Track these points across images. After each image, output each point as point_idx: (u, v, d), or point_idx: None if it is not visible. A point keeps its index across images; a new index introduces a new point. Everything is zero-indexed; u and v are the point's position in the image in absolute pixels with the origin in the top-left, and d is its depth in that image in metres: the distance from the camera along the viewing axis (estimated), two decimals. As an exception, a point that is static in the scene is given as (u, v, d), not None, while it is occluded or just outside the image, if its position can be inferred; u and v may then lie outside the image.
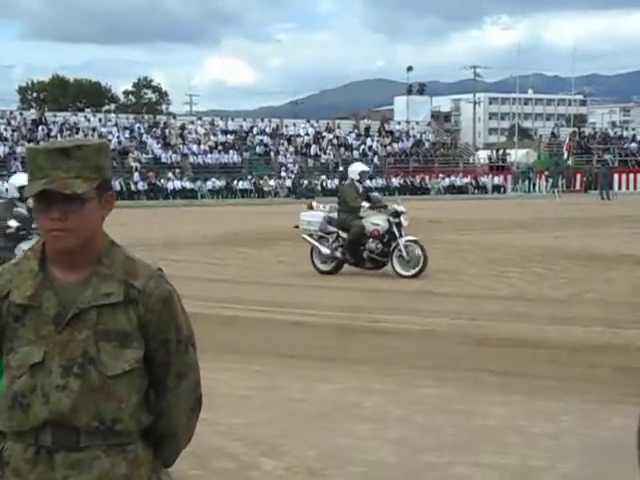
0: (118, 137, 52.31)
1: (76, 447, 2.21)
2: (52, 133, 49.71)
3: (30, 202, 2.38)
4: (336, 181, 50.86)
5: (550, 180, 52.52)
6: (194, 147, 53.99)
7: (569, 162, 55.01)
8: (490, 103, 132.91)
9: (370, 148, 58.85)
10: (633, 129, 72.01)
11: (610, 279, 13.86)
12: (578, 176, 54.83)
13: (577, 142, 60.88)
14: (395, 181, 54.53)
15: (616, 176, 53.98)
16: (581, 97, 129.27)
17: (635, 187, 56.76)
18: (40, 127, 50.68)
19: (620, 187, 54.33)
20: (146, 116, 59.82)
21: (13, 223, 9.19)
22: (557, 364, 8.14)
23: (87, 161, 2.22)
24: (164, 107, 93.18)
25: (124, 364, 2.23)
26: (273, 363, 8.29)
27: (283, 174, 52.80)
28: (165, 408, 2.34)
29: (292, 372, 7.94)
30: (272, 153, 55.86)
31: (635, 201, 39.97)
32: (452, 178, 55.82)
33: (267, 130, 58.10)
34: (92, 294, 2.24)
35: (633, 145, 62.82)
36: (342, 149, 57.96)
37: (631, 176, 57.55)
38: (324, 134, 58.95)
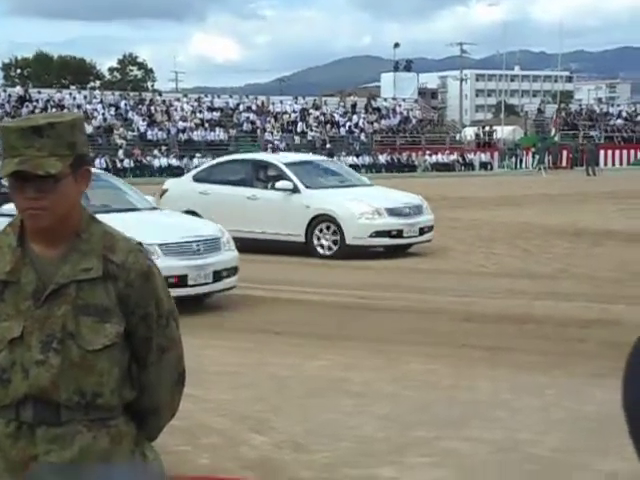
0: (103, 114, 52.01)
1: (57, 422, 2.22)
2: (37, 110, 49.35)
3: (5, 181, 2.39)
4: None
5: (536, 157, 52.58)
6: (180, 124, 53.76)
7: (555, 139, 55.08)
8: (477, 80, 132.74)
9: (357, 125, 58.72)
10: (619, 105, 72.14)
11: (596, 255, 13.93)
12: (564, 152, 54.91)
13: (563, 118, 60.95)
14: (382, 158, 54.48)
15: (602, 152, 54.16)
16: (567, 73, 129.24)
17: (621, 163, 56.95)
18: (25, 104, 50.31)
19: (606, 163, 54.50)
20: (131, 93, 59.48)
21: None
22: (544, 339, 8.19)
23: (60, 138, 2.20)
24: (149, 84, 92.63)
25: (104, 339, 2.23)
26: (262, 340, 8.31)
27: (270, 151, 52.68)
28: (147, 382, 2.34)
29: (281, 349, 7.96)
30: (258, 130, 55.69)
31: (621, 177, 40.10)
32: (439, 155, 55.81)
33: (253, 107, 57.90)
34: (71, 269, 2.24)
35: (619, 121, 62.96)
36: (328, 126, 57.82)
37: (617, 152, 57.75)
38: (310, 111, 58.79)
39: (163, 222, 10.53)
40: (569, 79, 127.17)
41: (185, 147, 51.62)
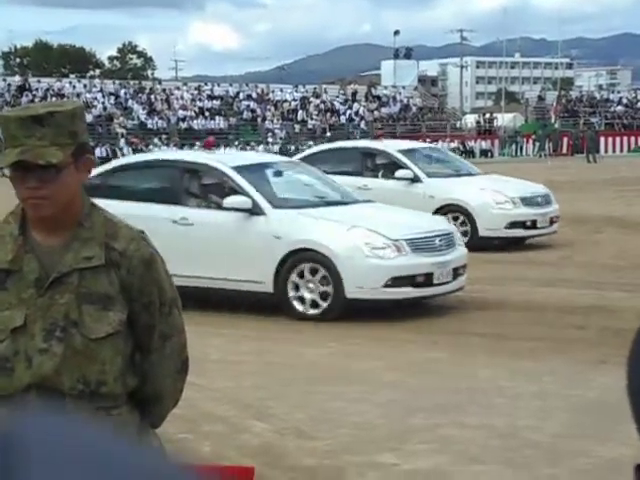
0: (103, 103, 51.95)
1: (62, 411, 2.23)
2: (36, 99, 49.28)
3: (7, 171, 2.42)
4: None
5: (537, 144, 52.49)
6: (180, 113, 53.69)
7: (556, 125, 54.98)
8: (477, 67, 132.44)
9: (357, 113, 58.64)
10: (619, 92, 72.00)
11: (597, 242, 13.94)
12: (565, 139, 54.82)
13: (564, 105, 60.83)
14: (382, 146, 54.37)
15: (602, 139, 54.04)
16: (568, 60, 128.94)
17: (621, 150, 56.86)
18: (24, 93, 50.23)
19: (606, 150, 54.39)
20: (131, 82, 59.37)
21: None
22: (543, 326, 8.21)
23: (61, 128, 2.20)
24: (149, 72, 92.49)
25: (107, 327, 2.25)
26: (264, 328, 8.33)
27: (270, 140, 52.62)
28: (150, 370, 2.36)
29: (282, 337, 7.99)
30: (259, 119, 55.62)
31: (621, 164, 40.05)
32: (439, 143, 55.74)
33: (253, 95, 57.81)
34: (73, 257, 2.25)
35: (619, 108, 62.82)
36: (329, 114, 57.75)
37: (617, 139, 57.61)
38: (311, 99, 58.69)
39: (394, 216, 9.52)
40: (569, 66, 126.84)
41: (185, 135, 51.56)
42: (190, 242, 8.89)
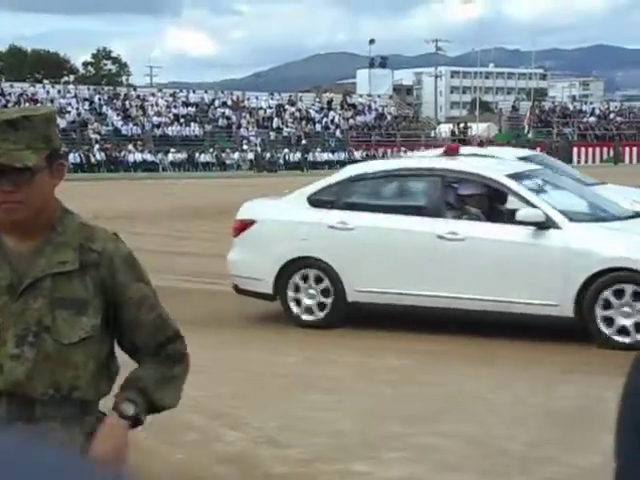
0: (77, 109, 51.70)
1: (32, 418, 2.21)
2: (10, 104, 48.93)
3: None
4: (298, 154, 50.80)
5: (511, 153, 52.79)
6: (155, 119, 53.55)
7: (529, 135, 55.48)
8: (452, 77, 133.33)
9: (332, 121, 58.82)
10: (592, 103, 72.78)
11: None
12: (538, 150, 55.28)
13: (537, 116, 61.39)
14: (357, 154, 54.58)
15: (575, 149, 54.62)
16: (541, 71, 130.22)
17: (594, 160, 57.44)
18: (-3, 98, 49.88)
19: (579, 161, 54.95)
20: (106, 88, 59.17)
21: None
22: (517, 335, 8.23)
23: (35, 132, 2.20)
24: (124, 79, 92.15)
25: (80, 332, 2.24)
26: (234, 335, 8.29)
27: (245, 147, 52.62)
28: (178, 351, 2.45)
29: (254, 344, 7.95)
30: (234, 126, 55.61)
31: (593, 174, 40.40)
32: (414, 152, 55.96)
33: (229, 103, 57.82)
34: (46, 262, 2.24)
35: (592, 119, 63.53)
36: (304, 122, 57.86)
37: (590, 150, 58.23)
38: (286, 107, 58.80)
39: None
40: (543, 77, 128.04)
41: (160, 142, 51.44)
42: (462, 259, 8.07)
